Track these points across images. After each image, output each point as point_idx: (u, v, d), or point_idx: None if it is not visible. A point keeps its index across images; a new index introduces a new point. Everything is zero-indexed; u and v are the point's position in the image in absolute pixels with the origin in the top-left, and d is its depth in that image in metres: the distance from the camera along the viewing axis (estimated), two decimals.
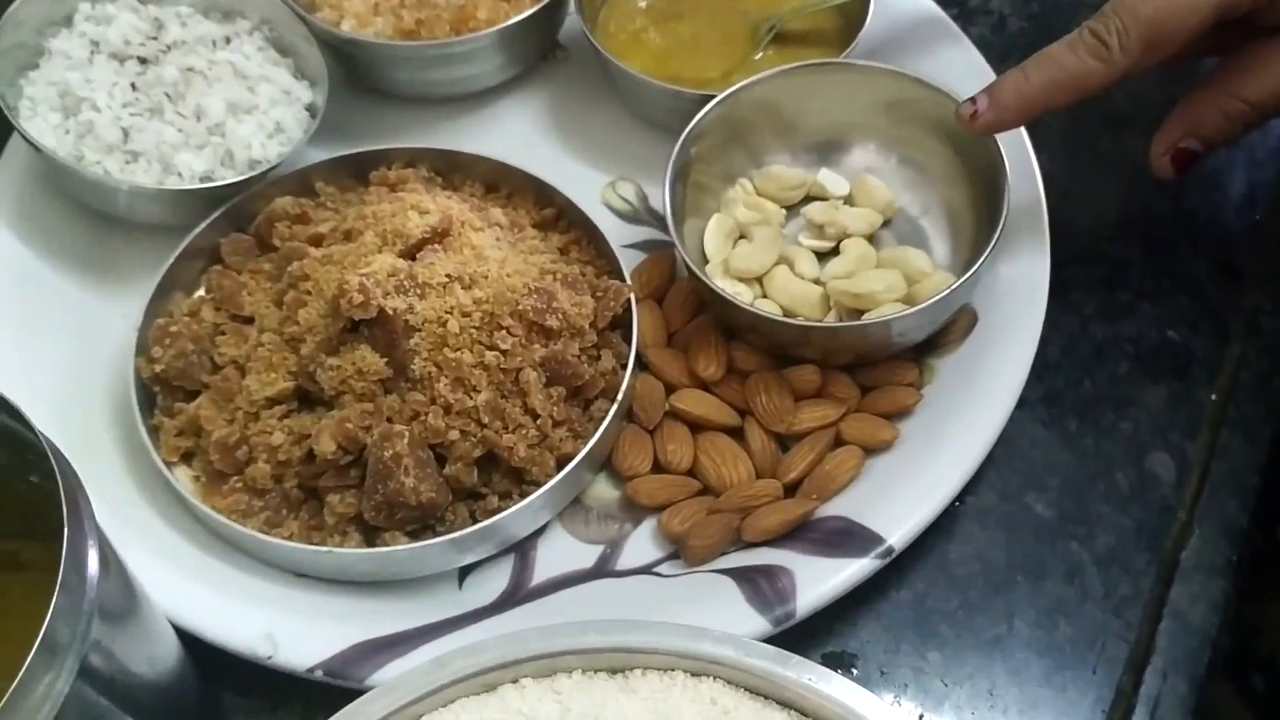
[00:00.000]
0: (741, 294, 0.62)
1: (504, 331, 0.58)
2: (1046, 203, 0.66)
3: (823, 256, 0.66)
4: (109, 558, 0.43)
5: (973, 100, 0.62)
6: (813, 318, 0.62)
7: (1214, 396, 0.64)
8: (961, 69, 0.72)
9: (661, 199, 0.63)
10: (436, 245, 0.59)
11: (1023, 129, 0.69)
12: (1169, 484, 0.62)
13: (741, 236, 0.66)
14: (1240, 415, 0.64)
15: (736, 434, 0.61)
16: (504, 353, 0.58)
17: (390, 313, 0.56)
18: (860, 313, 0.62)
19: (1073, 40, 0.60)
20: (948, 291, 0.59)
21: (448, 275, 0.58)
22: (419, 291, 0.57)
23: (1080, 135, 0.74)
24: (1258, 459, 0.62)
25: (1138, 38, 0.58)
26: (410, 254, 0.59)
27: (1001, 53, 0.76)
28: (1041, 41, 0.78)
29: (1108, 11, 0.59)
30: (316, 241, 0.63)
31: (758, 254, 0.64)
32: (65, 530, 0.39)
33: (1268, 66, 0.60)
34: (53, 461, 0.41)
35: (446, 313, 0.57)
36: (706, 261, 0.65)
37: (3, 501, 0.47)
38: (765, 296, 0.64)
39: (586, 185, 0.70)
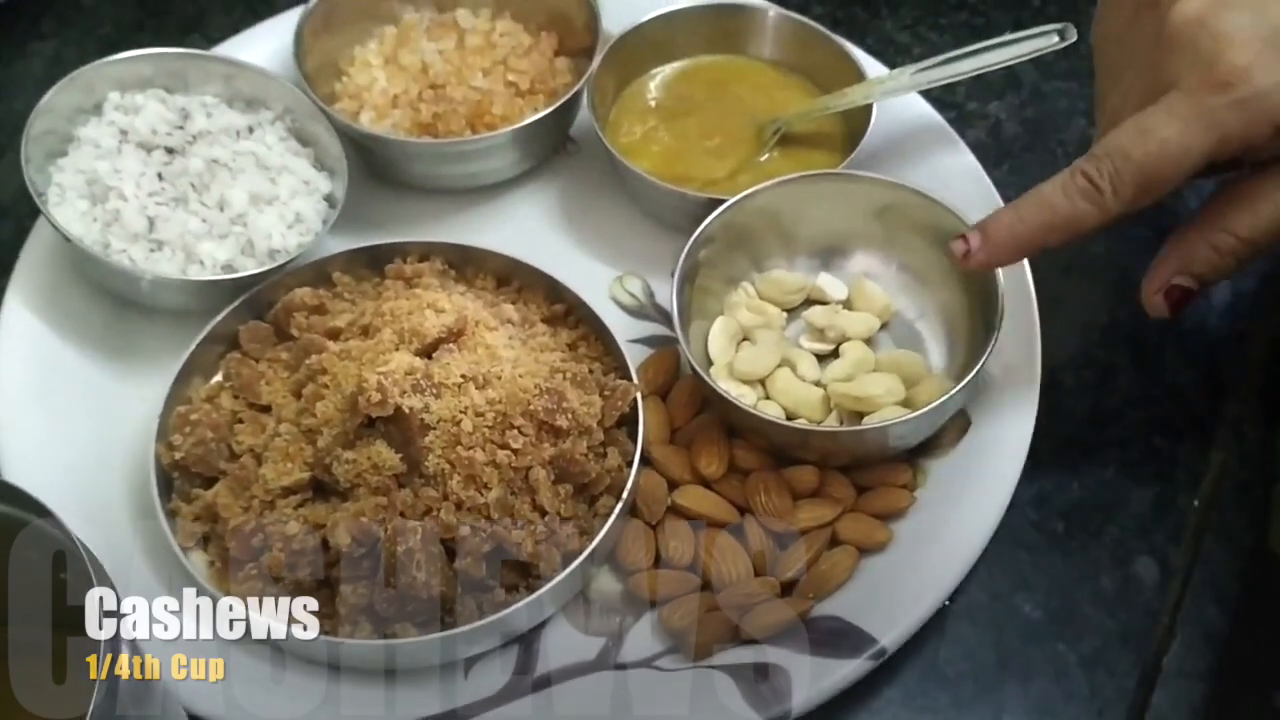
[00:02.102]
0: (745, 395, 0.65)
1: (515, 431, 0.60)
2: (1037, 308, 0.69)
3: (823, 359, 0.68)
4: (140, 655, 0.45)
5: (965, 239, 0.63)
6: (814, 419, 0.65)
7: (1197, 503, 0.66)
8: (958, 175, 0.74)
9: (669, 300, 0.65)
10: (452, 345, 0.61)
11: None
12: (1152, 588, 0.64)
13: (744, 339, 0.68)
14: (1222, 523, 0.66)
15: (737, 531, 0.63)
16: (515, 451, 0.60)
17: (407, 411, 0.58)
18: (860, 415, 0.64)
19: (1065, 182, 0.60)
20: (945, 398, 0.61)
21: (463, 376, 0.60)
22: (434, 391, 0.59)
23: (1053, 250, 0.76)
24: (1239, 566, 0.64)
25: (1131, 183, 0.58)
26: (426, 352, 0.61)
27: (997, 156, 0.79)
28: (1036, 145, 0.81)
29: (1100, 154, 0.59)
30: (334, 335, 0.65)
31: (761, 357, 0.66)
32: (101, 640, 0.41)
33: (1258, 201, 0.60)
34: (90, 570, 0.43)
35: (461, 412, 0.59)
36: (711, 363, 0.67)
37: (30, 593, 0.49)
38: (768, 398, 0.66)
39: (594, 279, 0.73)
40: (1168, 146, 0.57)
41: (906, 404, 0.64)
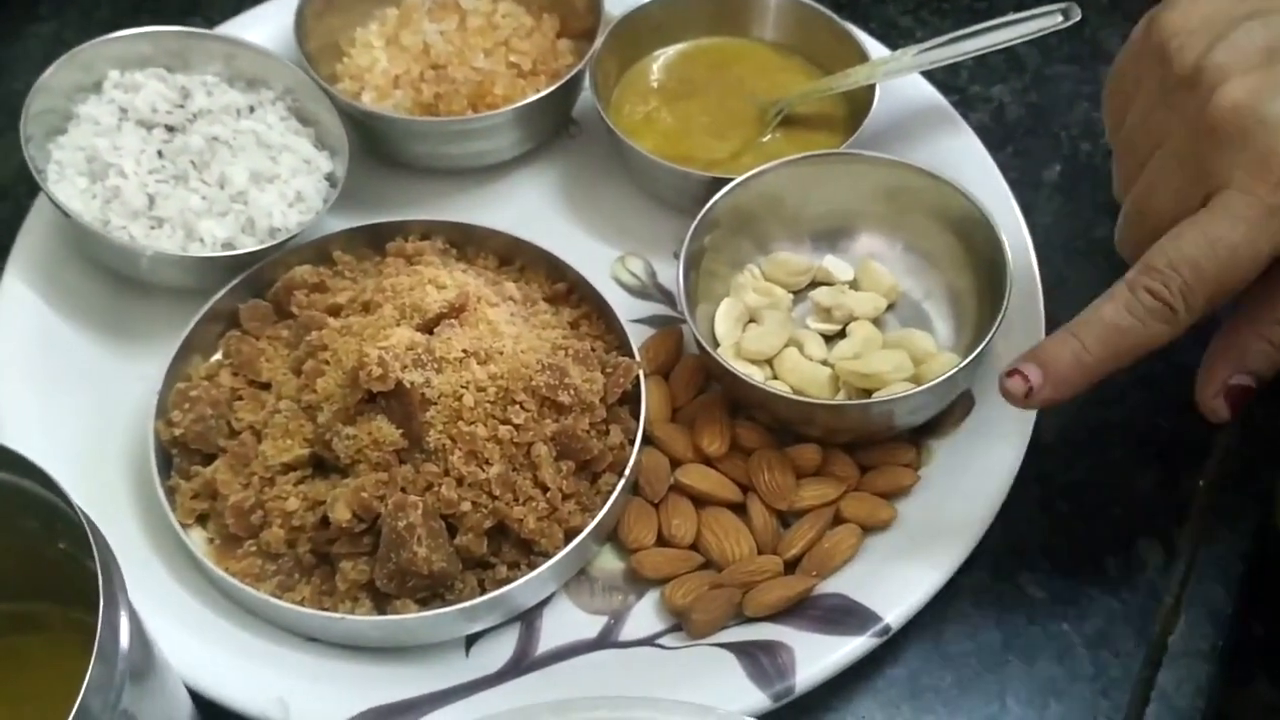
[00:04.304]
0: (753, 375, 0.64)
1: (517, 406, 0.59)
2: (1042, 289, 0.68)
3: (830, 339, 0.68)
4: (137, 627, 0.44)
5: (1022, 375, 0.56)
6: (822, 397, 0.64)
7: (1201, 483, 0.66)
8: (961, 156, 0.74)
9: (671, 280, 0.65)
10: (453, 320, 0.61)
11: (1018, 212, 0.71)
12: (1157, 568, 0.64)
13: (751, 320, 0.68)
14: (1227, 502, 0.65)
15: (739, 509, 0.63)
16: (517, 427, 0.59)
17: (408, 386, 0.58)
18: (869, 393, 0.64)
19: (1128, 301, 0.55)
20: (955, 370, 0.61)
21: (464, 350, 0.59)
22: (436, 366, 0.59)
23: (1075, 223, 0.76)
24: (1243, 546, 0.64)
25: (1204, 296, 0.54)
26: (428, 328, 0.61)
27: (1001, 138, 0.79)
28: (1039, 129, 0.81)
29: (1163, 268, 0.54)
30: (334, 311, 0.65)
31: (768, 337, 0.66)
32: (101, 604, 0.41)
33: None
34: (89, 535, 0.42)
35: (462, 387, 0.59)
36: (717, 344, 0.66)
37: (30, 565, 0.48)
38: (776, 378, 0.66)
39: (597, 259, 0.72)
40: (1237, 253, 0.53)
41: (914, 381, 0.64)
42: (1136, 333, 0.55)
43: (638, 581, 0.62)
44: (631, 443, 0.62)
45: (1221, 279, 0.54)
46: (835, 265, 0.70)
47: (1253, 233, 0.53)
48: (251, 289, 0.68)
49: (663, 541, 0.62)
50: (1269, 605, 0.64)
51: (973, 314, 0.67)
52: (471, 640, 0.60)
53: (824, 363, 0.66)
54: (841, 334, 0.68)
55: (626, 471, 0.61)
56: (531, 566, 0.59)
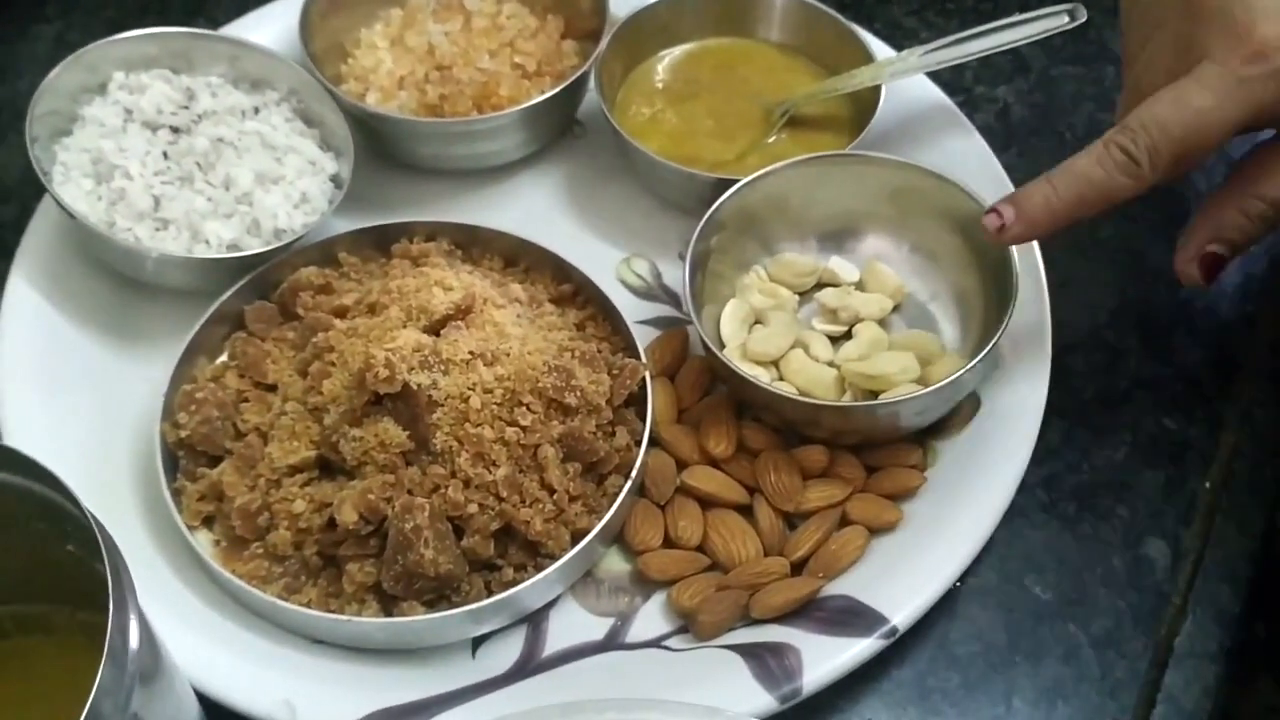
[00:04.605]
0: (759, 376, 0.64)
1: (524, 408, 0.59)
2: (1048, 290, 0.68)
3: (836, 340, 0.68)
4: (146, 629, 0.44)
5: (998, 212, 0.62)
6: (829, 399, 0.64)
7: (1208, 484, 0.66)
8: (967, 157, 0.74)
9: (677, 281, 0.65)
10: (459, 322, 0.61)
11: None
12: (1164, 569, 0.64)
13: (757, 321, 0.68)
14: (1234, 504, 0.65)
15: (745, 511, 0.63)
16: (523, 429, 0.59)
17: (414, 388, 0.58)
18: (875, 394, 0.64)
19: (1100, 154, 0.60)
20: (960, 373, 0.61)
21: (470, 352, 0.59)
22: (442, 367, 0.59)
23: (1081, 223, 0.75)
24: (1250, 547, 0.64)
25: (1169, 155, 0.58)
26: (434, 329, 0.61)
27: (1005, 139, 0.79)
28: (1043, 129, 0.81)
29: (1135, 126, 0.59)
30: (341, 313, 0.65)
31: (774, 338, 0.66)
32: (111, 606, 0.41)
33: None
34: (98, 538, 0.42)
35: (469, 389, 0.59)
36: (723, 345, 0.66)
37: (38, 568, 0.48)
38: (782, 379, 0.66)
39: (602, 261, 0.72)
40: (1204, 117, 0.58)
41: (921, 382, 0.64)
42: (1103, 183, 0.59)
43: (644, 583, 0.62)
44: (638, 444, 0.62)
45: (1187, 141, 0.58)
46: (841, 266, 0.70)
47: (1221, 100, 0.58)
48: (257, 291, 0.68)
49: (669, 543, 0.62)
50: (1273, 606, 0.64)
51: (979, 315, 0.67)
52: (478, 642, 0.60)
53: (830, 364, 0.66)
54: (847, 335, 0.68)
55: (633, 473, 0.61)
56: (538, 568, 0.59)
